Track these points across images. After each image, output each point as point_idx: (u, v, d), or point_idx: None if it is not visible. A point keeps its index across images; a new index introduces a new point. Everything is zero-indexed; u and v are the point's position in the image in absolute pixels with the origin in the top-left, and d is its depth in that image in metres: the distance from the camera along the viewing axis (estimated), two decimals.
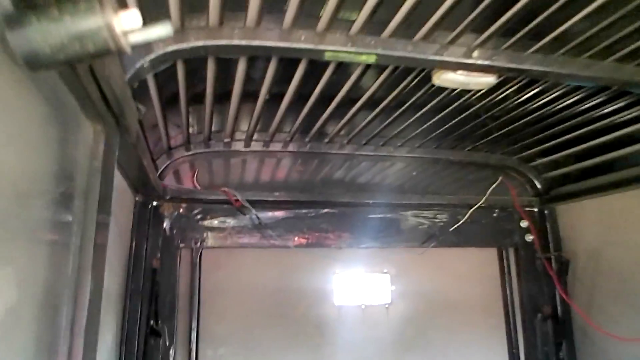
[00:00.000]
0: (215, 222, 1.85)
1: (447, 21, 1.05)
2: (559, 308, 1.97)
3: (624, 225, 1.75)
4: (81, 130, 0.71)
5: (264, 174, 1.97)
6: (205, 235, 1.84)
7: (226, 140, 1.82)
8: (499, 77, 1.27)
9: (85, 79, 0.62)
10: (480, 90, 1.42)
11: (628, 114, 1.51)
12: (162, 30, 0.47)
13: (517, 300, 2.03)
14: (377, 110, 1.54)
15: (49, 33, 0.40)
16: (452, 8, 0.98)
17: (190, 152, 1.83)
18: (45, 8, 0.40)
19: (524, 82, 1.40)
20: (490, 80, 1.26)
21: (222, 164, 1.92)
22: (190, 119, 1.60)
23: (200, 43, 1.00)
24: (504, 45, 1.15)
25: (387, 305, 1.99)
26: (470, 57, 1.14)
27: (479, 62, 1.16)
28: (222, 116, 1.64)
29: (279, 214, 1.91)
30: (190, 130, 1.70)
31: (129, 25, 0.45)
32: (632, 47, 1.16)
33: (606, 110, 1.53)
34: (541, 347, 1.96)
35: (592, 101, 1.49)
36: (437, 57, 1.12)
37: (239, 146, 1.84)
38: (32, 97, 0.59)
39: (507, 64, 1.18)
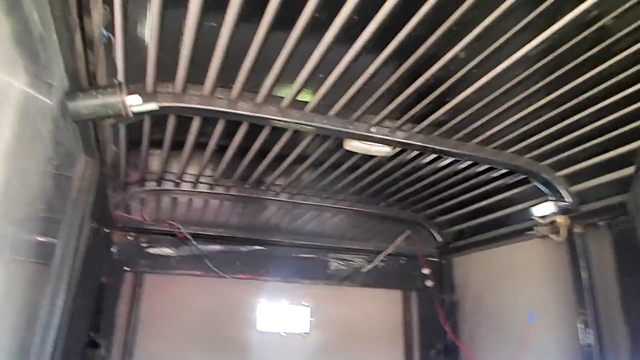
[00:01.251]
0: (159, 251, 2.12)
1: (354, 104, 1.44)
2: (449, 342, 2.34)
3: (500, 274, 2.17)
4: (78, 160, 1.02)
5: (208, 212, 2.27)
6: (149, 261, 2.09)
7: (176, 181, 2.11)
8: (393, 148, 1.68)
9: (90, 126, 0.94)
10: (386, 156, 1.82)
11: (505, 182, 1.94)
12: (151, 106, 0.81)
13: (416, 336, 2.38)
14: (304, 166, 1.90)
15: (89, 104, 0.73)
16: (357, 93, 1.37)
17: (143, 189, 2.10)
18: (88, 90, 0.74)
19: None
20: (386, 149, 1.66)
21: (171, 202, 2.20)
22: (147, 160, 1.90)
23: (167, 104, 1.33)
24: (395, 125, 1.56)
25: (304, 334, 2.28)
26: (369, 131, 1.54)
27: (377, 135, 1.56)
28: (175, 160, 1.94)
29: (218, 247, 2.20)
30: (146, 170, 1.99)
31: (133, 102, 0.79)
32: (488, 134, 1.61)
33: (492, 176, 1.93)
34: None
35: (477, 167, 1.90)
36: (344, 129, 1.51)
37: (187, 187, 2.14)
38: (62, 135, 0.90)
39: (396, 139, 1.58)
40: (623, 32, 1.09)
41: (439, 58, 1.19)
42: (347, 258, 2.38)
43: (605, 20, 1.05)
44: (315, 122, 1.47)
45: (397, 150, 1.72)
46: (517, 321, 1.95)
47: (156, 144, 1.71)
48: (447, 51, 1.17)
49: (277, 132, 1.62)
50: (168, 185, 2.12)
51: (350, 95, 1.37)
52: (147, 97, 1.30)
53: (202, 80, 1.32)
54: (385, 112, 1.47)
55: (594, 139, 1.53)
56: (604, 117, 1.41)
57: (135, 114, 0.80)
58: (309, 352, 2.26)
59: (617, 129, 1.44)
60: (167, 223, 2.08)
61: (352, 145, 1.61)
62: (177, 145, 1.73)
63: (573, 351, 1.70)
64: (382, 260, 2.38)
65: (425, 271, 2.45)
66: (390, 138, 1.57)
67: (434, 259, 2.49)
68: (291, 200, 2.24)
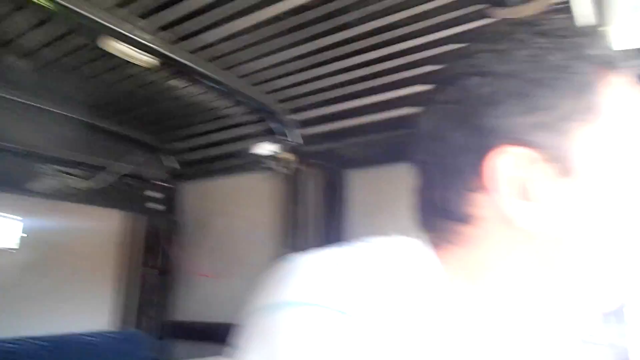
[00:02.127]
0: None
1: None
2: (169, 263, 2.43)
3: (228, 201, 2.37)
4: None
5: None
6: None
7: None
8: (160, 62, 1.60)
9: None
10: (143, 69, 1.71)
11: (244, 118, 2.10)
12: None
13: (139, 257, 2.38)
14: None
15: None
16: None
17: None
18: None
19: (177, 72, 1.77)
20: (151, 60, 1.57)
21: None
22: None
23: None
24: (160, 36, 1.49)
25: (13, 250, 1.98)
26: (133, 33, 1.43)
27: (141, 40, 1.46)
28: None
29: None
30: None
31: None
32: (241, 69, 1.72)
33: (234, 110, 2.05)
34: (152, 297, 2.37)
35: (223, 100, 1.97)
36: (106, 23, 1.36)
37: None
38: None
39: (162, 50, 1.53)
40: None
41: None
42: (69, 171, 2.13)
43: None
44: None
45: (157, 65, 1.65)
46: (240, 243, 2.19)
47: None
48: None
49: None
50: None
51: None
52: None
53: None
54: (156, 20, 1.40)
55: (327, 90, 1.83)
56: (342, 73, 1.70)
57: None
58: (17, 269, 1.98)
59: (351, 84, 1.76)
60: None
61: (111, 45, 1.46)
62: None
63: None
64: (107, 178, 2.23)
65: (153, 194, 2.44)
66: (157, 48, 1.50)
67: (163, 183, 2.50)
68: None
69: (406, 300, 0.53)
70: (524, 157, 0.49)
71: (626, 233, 0.50)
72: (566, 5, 1.20)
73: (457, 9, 1.33)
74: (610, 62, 0.51)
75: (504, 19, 1.25)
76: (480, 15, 1.32)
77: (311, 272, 0.53)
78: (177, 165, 2.51)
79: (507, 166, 0.49)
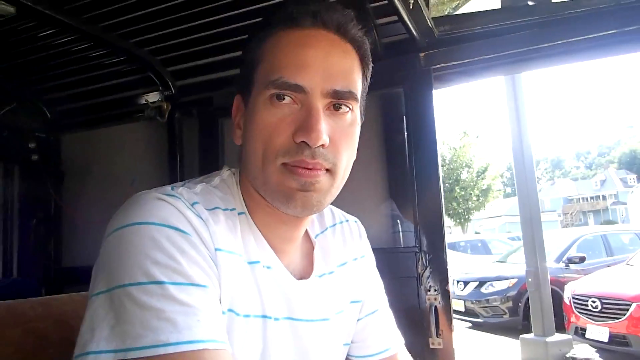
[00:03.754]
0: None
1: None
2: (52, 212, 2.48)
3: (109, 149, 2.45)
4: None
5: None
6: None
7: None
8: (17, 10, 1.62)
9: None
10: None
11: (121, 68, 2.16)
12: None
13: (17, 206, 2.40)
14: None
15: None
16: None
17: None
18: None
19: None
20: (10, 9, 1.60)
21: None
22: None
23: None
24: None
25: None
26: None
27: None
28: None
29: None
30: None
31: None
32: (120, 20, 1.80)
33: (111, 61, 2.09)
34: (36, 245, 2.42)
35: (99, 51, 2.02)
36: None
37: None
38: None
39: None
40: None
41: None
42: None
43: None
44: None
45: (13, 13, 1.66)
46: (121, 187, 2.30)
47: None
48: None
49: None
50: None
51: None
52: None
53: None
54: None
55: (203, 44, 1.96)
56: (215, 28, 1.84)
57: None
58: None
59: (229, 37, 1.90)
60: None
61: None
62: None
63: None
64: None
65: (31, 145, 2.44)
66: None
67: (41, 135, 2.50)
68: None
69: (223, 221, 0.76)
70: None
71: None
72: None
73: None
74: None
75: None
76: None
77: (153, 200, 0.72)
78: (53, 116, 2.51)
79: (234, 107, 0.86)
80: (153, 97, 2.26)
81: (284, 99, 0.73)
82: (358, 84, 0.79)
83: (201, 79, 2.18)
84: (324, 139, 0.72)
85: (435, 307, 1.55)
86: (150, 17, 1.76)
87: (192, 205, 0.72)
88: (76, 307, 1.20)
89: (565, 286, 7.15)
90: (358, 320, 0.99)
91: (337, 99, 0.75)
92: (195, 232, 0.69)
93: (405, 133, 1.73)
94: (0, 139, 2.32)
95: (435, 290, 1.57)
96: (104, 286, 0.64)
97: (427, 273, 1.59)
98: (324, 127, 0.72)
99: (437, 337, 1.52)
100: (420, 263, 1.60)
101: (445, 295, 1.55)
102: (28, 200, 2.42)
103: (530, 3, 1.56)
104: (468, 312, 8.87)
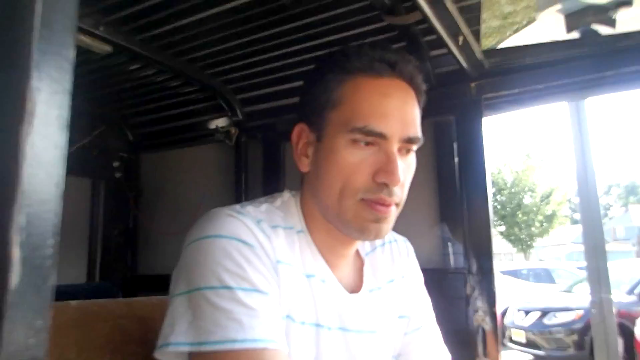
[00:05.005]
0: None
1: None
2: (131, 224, 2.75)
3: (181, 170, 2.69)
4: None
5: None
6: None
7: None
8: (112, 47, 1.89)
9: None
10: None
11: (195, 96, 2.40)
12: None
13: (101, 219, 2.69)
14: None
15: None
16: None
17: None
18: None
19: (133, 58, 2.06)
20: (106, 47, 1.86)
21: None
22: None
23: None
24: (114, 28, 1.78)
25: None
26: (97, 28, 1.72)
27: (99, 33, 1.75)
28: None
29: None
30: None
31: None
32: (193, 54, 2.03)
33: (185, 90, 2.34)
34: (116, 254, 2.69)
35: (175, 81, 2.28)
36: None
37: None
38: None
39: (116, 40, 1.81)
40: None
41: None
42: None
43: None
44: None
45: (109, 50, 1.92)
46: (192, 205, 2.52)
47: None
48: None
49: None
50: None
51: None
52: None
53: None
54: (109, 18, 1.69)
55: (269, 75, 2.15)
56: (277, 61, 2.03)
57: None
58: None
59: (283, 70, 2.08)
60: None
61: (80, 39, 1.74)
62: None
63: None
64: (75, 151, 2.50)
65: (115, 164, 2.73)
66: (112, 39, 1.78)
67: (124, 155, 2.79)
68: None
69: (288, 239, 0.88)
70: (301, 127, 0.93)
71: None
72: None
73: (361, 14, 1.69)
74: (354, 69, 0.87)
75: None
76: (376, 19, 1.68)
77: (225, 216, 0.83)
78: (134, 138, 2.79)
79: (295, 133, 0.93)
80: (222, 122, 2.47)
81: (366, 144, 0.83)
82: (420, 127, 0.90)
83: (266, 106, 2.37)
84: (401, 180, 0.83)
85: (483, 328, 1.60)
86: (225, 51, 1.97)
87: (258, 222, 0.83)
88: (154, 309, 1.36)
89: (637, 320, 6.69)
90: (405, 334, 1.06)
91: (409, 144, 0.86)
92: (259, 245, 0.80)
93: (456, 159, 1.81)
94: (90, 158, 2.62)
95: (484, 311, 1.62)
96: (184, 288, 0.76)
97: (475, 294, 1.64)
98: (400, 170, 0.83)
99: (484, 357, 1.56)
100: (468, 285, 1.66)
101: (493, 317, 1.60)
102: (112, 213, 2.70)
103: (575, 36, 1.61)
104: (530, 344, 8.46)
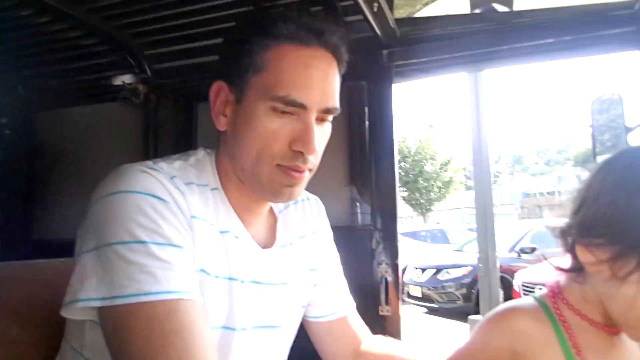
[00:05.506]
0: None
1: None
2: (24, 187, 2.54)
3: (84, 129, 2.51)
4: None
5: None
6: None
7: None
8: None
9: None
10: None
11: (98, 49, 2.23)
12: None
13: None
14: None
15: None
16: None
17: None
18: None
19: None
20: None
21: None
22: None
23: None
24: None
25: None
26: None
27: None
28: None
29: None
30: None
31: None
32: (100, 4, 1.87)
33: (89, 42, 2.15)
34: (9, 218, 2.47)
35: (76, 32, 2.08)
36: None
37: None
38: None
39: None
40: None
41: None
42: None
43: None
44: None
45: None
46: (94, 168, 2.37)
47: None
48: None
49: None
50: None
51: None
52: None
53: None
54: None
55: (181, 31, 2.06)
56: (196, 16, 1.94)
57: None
58: None
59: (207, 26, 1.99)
60: None
61: None
62: None
63: None
64: None
65: (4, 120, 2.48)
66: None
67: (15, 110, 2.54)
68: None
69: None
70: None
71: None
72: None
73: None
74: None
75: None
76: None
77: (138, 172, 0.80)
78: (22, 92, 2.54)
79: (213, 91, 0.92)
80: (129, 79, 2.34)
81: (285, 112, 0.85)
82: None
83: (178, 64, 2.27)
84: (316, 149, 0.87)
85: (386, 279, 1.74)
86: (131, 2, 1.85)
87: (172, 178, 0.83)
88: (58, 272, 1.30)
89: (516, 274, 7.58)
90: (315, 285, 1.15)
91: (327, 114, 0.90)
92: (174, 201, 0.80)
93: (367, 123, 1.90)
94: None
95: (387, 264, 1.76)
96: (93, 245, 0.75)
97: (380, 249, 1.77)
98: (316, 139, 0.86)
99: (386, 305, 1.71)
100: (374, 240, 1.79)
101: (395, 269, 1.75)
102: (8, 176, 2.47)
103: (477, 11, 1.74)
104: (425, 298, 9.25)
